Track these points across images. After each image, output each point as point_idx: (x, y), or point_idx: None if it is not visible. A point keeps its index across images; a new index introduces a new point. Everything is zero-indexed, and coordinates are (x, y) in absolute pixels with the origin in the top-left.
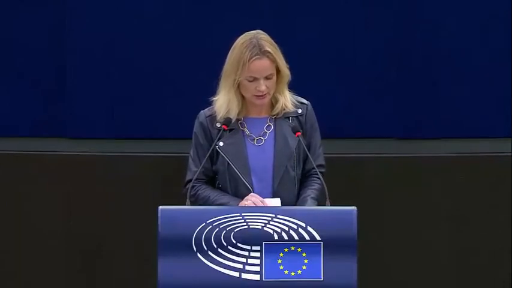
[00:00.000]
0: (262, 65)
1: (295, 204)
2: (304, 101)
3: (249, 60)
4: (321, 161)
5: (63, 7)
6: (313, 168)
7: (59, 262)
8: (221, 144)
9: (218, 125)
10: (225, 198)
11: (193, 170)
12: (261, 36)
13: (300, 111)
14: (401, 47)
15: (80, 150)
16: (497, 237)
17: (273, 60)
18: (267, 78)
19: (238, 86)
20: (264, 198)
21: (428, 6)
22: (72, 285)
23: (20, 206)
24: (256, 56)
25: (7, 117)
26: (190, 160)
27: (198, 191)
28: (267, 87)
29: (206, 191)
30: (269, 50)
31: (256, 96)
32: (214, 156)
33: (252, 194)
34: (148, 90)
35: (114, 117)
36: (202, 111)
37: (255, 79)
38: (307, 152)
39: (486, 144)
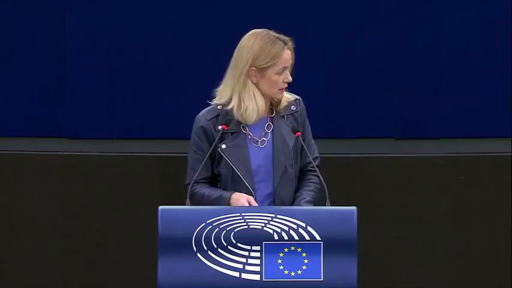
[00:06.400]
0: (289, 54)
1: (293, 201)
2: (296, 96)
3: (281, 52)
4: (316, 152)
5: (63, 7)
6: (309, 162)
7: (59, 262)
8: (224, 146)
9: (220, 127)
10: (217, 192)
11: (193, 175)
12: (270, 31)
13: (293, 107)
14: (401, 47)
15: (80, 150)
16: (497, 237)
17: (291, 49)
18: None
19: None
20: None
21: (428, 6)
22: (71, 285)
23: (20, 206)
24: (285, 46)
25: (7, 117)
26: (189, 165)
27: (195, 189)
28: None
29: (202, 189)
30: (288, 38)
31: (281, 89)
32: (217, 158)
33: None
34: (148, 91)
35: (114, 117)
36: (200, 115)
37: (284, 69)
38: (306, 149)
39: (486, 144)
